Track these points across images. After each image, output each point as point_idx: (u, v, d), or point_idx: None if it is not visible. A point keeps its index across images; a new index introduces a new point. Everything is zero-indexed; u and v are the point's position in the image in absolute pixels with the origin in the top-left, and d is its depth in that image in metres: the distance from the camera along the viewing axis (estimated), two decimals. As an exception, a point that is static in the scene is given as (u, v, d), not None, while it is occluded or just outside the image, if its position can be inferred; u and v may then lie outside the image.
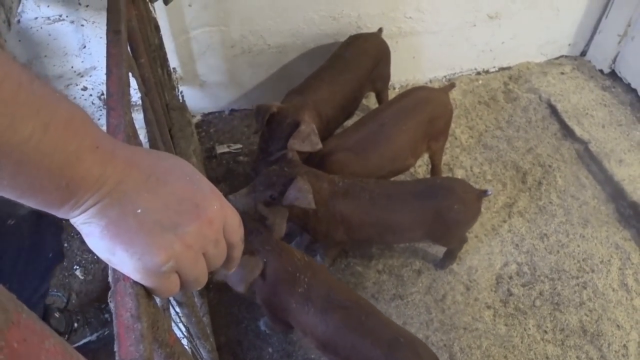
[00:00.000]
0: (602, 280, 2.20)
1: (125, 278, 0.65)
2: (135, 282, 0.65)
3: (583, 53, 3.23)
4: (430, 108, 2.16)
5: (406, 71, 2.90)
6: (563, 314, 2.09)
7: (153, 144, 1.54)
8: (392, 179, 2.21)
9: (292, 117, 1.98)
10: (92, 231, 0.63)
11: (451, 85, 2.33)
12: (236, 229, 0.75)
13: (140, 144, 0.98)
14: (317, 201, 1.78)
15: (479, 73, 3.10)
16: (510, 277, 2.19)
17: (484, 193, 1.95)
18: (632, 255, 2.28)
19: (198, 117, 2.71)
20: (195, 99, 2.65)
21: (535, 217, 2.40)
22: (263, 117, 1.99)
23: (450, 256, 2.18)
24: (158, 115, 1.67)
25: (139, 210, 0.63)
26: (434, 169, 2.41)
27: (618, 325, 2.06)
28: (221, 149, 2.44)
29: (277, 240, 1.70)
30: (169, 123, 2.02)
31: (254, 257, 1.61)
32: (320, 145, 1.98)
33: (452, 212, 1.91)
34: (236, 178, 2.47)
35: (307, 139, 1.96)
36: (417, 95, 2.19)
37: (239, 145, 2.56)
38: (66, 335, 1.86)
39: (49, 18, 1.99)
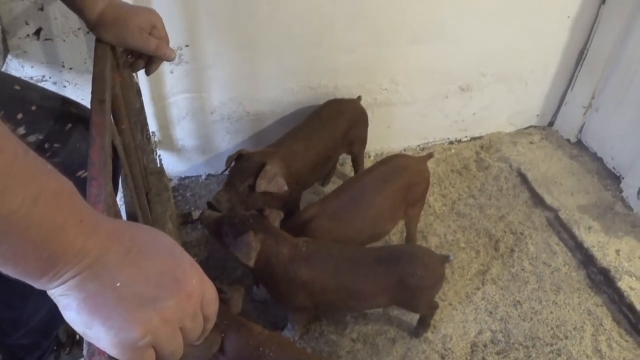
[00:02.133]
0: (576, 347, 2.21)
1: (101, 352, 0.64)
2: (111, 358, 0.64)
3: (551, 123, 3.36)
4: (408, 175, 2.21)
5: (381, 140, 2.98)
6: (538, 382, 2.09)
7: (130, 209, 1.54)
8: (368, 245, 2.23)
9: (257, 158, 2.08)
10: (70, 304, 0.62)
11: (429, 155, 2.38)
12: (213, 302, 0.75)
13: (118, 212, 0.99)
14: (275, 265, 1.84)
15: (451, 142, 3.19)
16: (485, 345, 2.19)
17: (446, 258, 2.00)
18: (604, 321, 2.31)
19: (175, 181, 2.73)
20: (173, 163, 2.67)
21: (508, 284, 2.42)
22: (232, 158, 2.12)
23: (424, 323, 2.17)
24: (136, 180, 1.69)
25: (118, 284, 0.63)
26: (409, 236, 2.43)
27: (593, 394, 2.06)
28: (197, 215, 2.45)
29: (235, 315, 1.67)
30: (146, 187, 2.02)
31: (211, 332, 1.59)
32: (286, 187, 2.06)
33: (415, 277, 1.93)
34: (211, 243, 2.46)
35: (273, 179, 2.03)
36: (397, 162, 2.25)
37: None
38: (67, 348, 1.82)
39: (32, 78, 2.03)
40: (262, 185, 2.02)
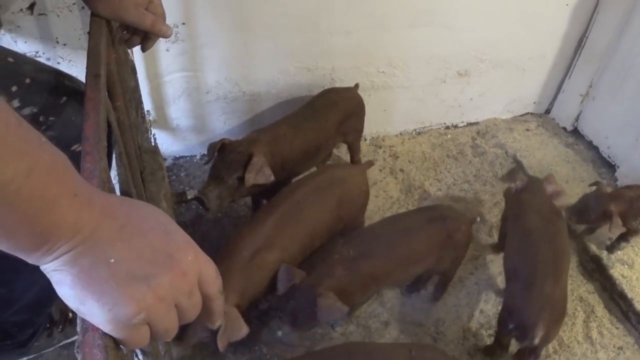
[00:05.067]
0: (567, 332, 2.22)
1: (94, 329, 0.63)
2: (105, 334, 0.64)
3: (547, 111, 3.36)
4: (345, 187, 2.10)
5: (377, 124, 2.96)
6: (529, 367, 2.10)
7: (124, 187, 1.52)
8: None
9: (243, 148, 2.04)
10: (63, 279, 0.61)
11: (369, 163, 2.30)
12: (212, 280, 0.74)
13: (112, 188, 0.98)
14: (347, 286, 1.82)
15: (447, 127, 3.18)
16: (477, 330, 2.20)
17: (474, 219, 2.08)
18: (596, 308, 2.32)
19: (169, 161, 2.71)
20: (167, 143, 2.65)
21: (501, 269, 2.42)
22: (214, 148, 2.05)
23: (444, 286, 2.23)
24: (130, 159, 1.67)
25: (112, 260, 0.62)
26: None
27: (583, 379, 2.08)
28: (191, 195, 2.44)
29: None
30: (140, 166, 2.01)
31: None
32: (272, 178, 2.03)
33: (460, 233, 2.01)
34: (205, 224, 2.46)
35: (260, 171, 2.01)
36: (333, 174, 2.13)
37: None
38: (60, 326, 1.82)
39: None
40: (251, 179, 1.99)
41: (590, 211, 2.30)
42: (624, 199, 2.28)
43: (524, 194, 2.21)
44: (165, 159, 2.69)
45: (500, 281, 2.37)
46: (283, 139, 2.20)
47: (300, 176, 2.28)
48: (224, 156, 2.05)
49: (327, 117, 2.36)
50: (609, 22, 2.82)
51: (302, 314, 1.77)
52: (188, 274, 0.69)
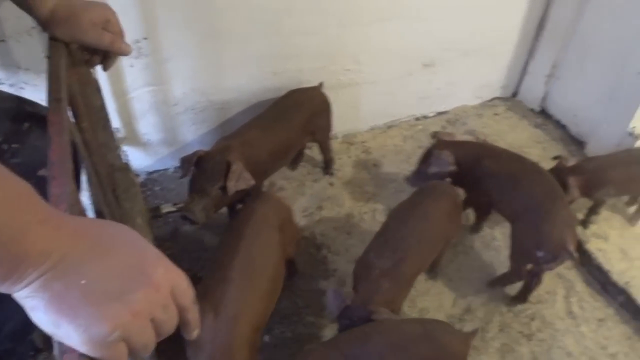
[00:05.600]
0: (549, 309, 2.27)
1: (72, 351, 0.64)
2: (82, 355, 0.64)
3: (514, 94, 3.41)
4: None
5: (348, 121, 2.99)
6: (515, 347, 2.13)
7: (98, 207, 1.53)
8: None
9: (219, 157, 2.05)
10: (37, 305, 0.62)
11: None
12: (185, 291, 0.75)
13: (82, 210, 0.99)
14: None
15: (417, 119, 3.22)
16: (462, 315, 2.24)
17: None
18: (575, 283, 2.37)
19: (143, 176, 2.70)
20: (139, 158, 2.65)
21: (480, 254, 2.47)
22: (189, 162, 2.05)
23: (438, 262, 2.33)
24: (102, 178, 1.67)
25: (84, 281, 0.63)
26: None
27: (568, 353, 2.12)
28: (167, 208, 2.43)
29: None
30: (113, 184, 2.01)
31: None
32: (253, 181, 2.06)
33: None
34: (182, 237, 2.46)
35: (240, 177, 2.03)
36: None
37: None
38: (44, 353, 1.80)
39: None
40: (233, 186, 2.01)
41: None
42: (583, 171, 2.33)
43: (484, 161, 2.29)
44: (138, 175, 2.68)
45: (480, 264, 2.41)
46: (253, 143, 2.22)
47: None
48: (202, 168, 2.05)
49: (293, 117, 2.38)
50: (567, 3, 2.87)
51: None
52: (161, 287, 0.70)
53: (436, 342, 1.68)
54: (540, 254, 2.02)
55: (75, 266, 0.63)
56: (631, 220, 2.59)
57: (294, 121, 2.38)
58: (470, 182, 2.33)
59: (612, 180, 2.33)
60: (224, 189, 2.02)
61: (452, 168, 2.26)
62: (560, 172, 2.32)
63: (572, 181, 2.28)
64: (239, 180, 2.03)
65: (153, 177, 2.72)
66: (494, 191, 2.26)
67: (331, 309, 1.83)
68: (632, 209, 2.61)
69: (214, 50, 2.40)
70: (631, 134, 2.64)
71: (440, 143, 2.35)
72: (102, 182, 1.67)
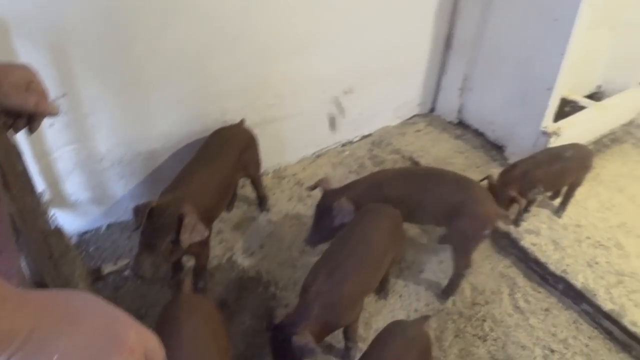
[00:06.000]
0: (498, 309, 2.34)
1: None
2: None
3: (432, 109, 3.56)
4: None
5: (277, 155, 3.01)
6: (472, 350, 2.19)
7: (36, 278, 1.46)
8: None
9: (172, 209, 1.97)
10: None
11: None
12: (157, 350, 0.73)
13: (29, 284, 0.95)
14: None
15: (344, 145, 3.29)
16: (417, 328, 2.27)
17: None
18: (517, 279, 2.47)
19: (74, 239, 2.60)
20: (69, 220, 2.54)
21: (423, 266, 2.53)
22: (142, 212, 1.96)
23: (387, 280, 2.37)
24: (37, 246, 1.60)
25: (56, 357, 0.61)
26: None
27: (522, 346, 2.19)
28: (109, 268, 2.35)
29: None
30: (48, 251, 1.92)
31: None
32: (207, 232, 2.00)
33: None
34: (126, 295, 2.37)
35: (194, 229, 1.97)
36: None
37: (126, 261, 2.47)
38: None
39: None
40: (187, 239, 1.94)
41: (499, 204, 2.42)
42: (514, 179, 2.45)
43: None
44: (70, 238, 2.58)
45: (425, 277, 2.47)
46: (200, 189, 2.17)
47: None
48: (153, 221, 1.96)
49: (226, 154, 2.37)
50: (470, 18, 3.06)
51: (281, 352, 1.81)
52: (135, 350, 0.68)
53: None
54: (487, 232, 2.21)
55: (44, 342, 0.61)
56: (557, 212, 2.74)
57: (228, 159, 2.36)
58: None
59: (540, 179, 2.46)
60: (175, 242, 1.96)
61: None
62: (494, 189, 2.43)
63: (513, 192, 2.39)
64: (193, 232, 1.96)
65: (86, 238, 2.62)
66: (409, 209, 2.28)
67: (267, 324, 1.85)
68: (557, 201, 2.76)
69: (136, 100, 2.37)
70: (545, 133, 2.81)
71: (330, 193, 2.30)
72: (39, 251, 1.61)
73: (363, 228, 2.08)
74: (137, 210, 2.00)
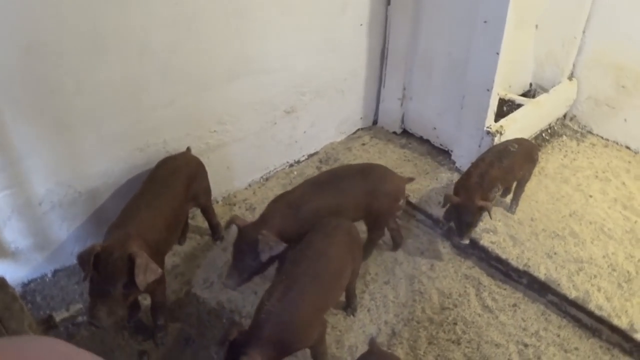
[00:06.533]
0: (467, 310, 2.33)
1: None
2: None
3: (375, 122, 3.57)
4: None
5: (224, 182, 2.93)
6: (447, 355, 2.15)
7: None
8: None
9: (119, 251, 1.85)
10: None
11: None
12: None
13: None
14: None
15: (291, 165, 3.24)
16: (389, 341, 2.22)
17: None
18: (481, 279, 2.47)
19: (18, 289, 2.41)
20: (10, 270, 2.36)
21: (386, 276, 2.50)
22: (88, 260, 1.83)
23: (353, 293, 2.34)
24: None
25: None
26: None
27: (496, 344, 2.18)
28: (60, 315, 2.20)
29: None
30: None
31: None
32: (160, 270, 1.90)
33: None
34: (82, 342, 2.22)
35: (147, 269, 1.86)
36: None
37: (78, 306, 2.31)
38: None
39: None
40: (143, 281, 1.83)
41: (469, 222, 2.41)
42: (475, 188, 2.42)
43: None
44: (13, 289, 2.40)
45: (391, 286, 2.43)
46: (147, 225, 2.06)
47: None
48: (101, 267, 1.84)
49: (174, 185, 2.27)
50: (402, 30, 3.10)
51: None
52: None
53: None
54: (401, 202, 2.42)
55: None
56: (510, 208, 2.78)
57: (176, 189, 2.26)
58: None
59: (497, 177, 2.47)
60: (128, 285, 1.84)
61: (282, 245, 2.07)
62: (459, 207, 2.41)
63: (480, 202, 2.37)
64: (147, 272, 1.85)
65: (31, 288, 2.45)
66: (332, 215, 2.23)
67: (222, 339, 1.77)
68: (508, 198, 2.80)
69: (71, 139, 2.25)
70: (489, 132, 2.86)
71: (248, 229, 2.12)
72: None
73: (318, 244, 2.03)
74: (82, 259, 1.88)
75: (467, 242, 2.46)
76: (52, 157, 2.23)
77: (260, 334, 1.73)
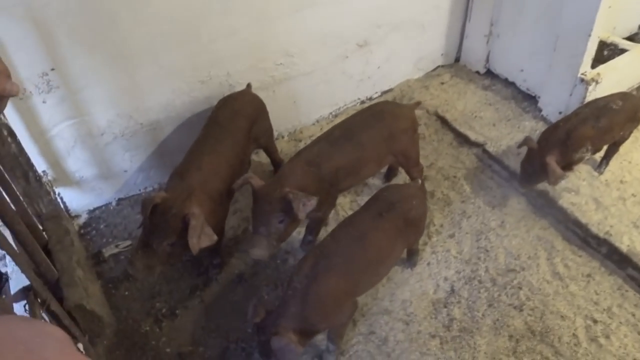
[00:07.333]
0: (535, 275, 2.16)
1: None
2: None
3: (457, 59, 3.31)
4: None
5: (291, 117, 2.83)
6: (507, 321, 2.02)
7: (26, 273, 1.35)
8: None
9: (177, 209, 1.80)
10: None
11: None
12: None
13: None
14: None
15: (362, 102, 3.08)
16: (447, 299, 2.11)
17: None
18: (555, 242, 2.27)
19: (84, 217, 2.49)
20: (77, 198, 2.44)
21: (451, 229, 2.35)
22: (146, 209, 1.81)
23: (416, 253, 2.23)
24: (24, 237, 1.48)
25: None
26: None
27: (562, 316, 2.02)
28: (109, 251, 2.24)
29: None
30: (42, 238, 1.80)
31: None
32: (215, 237, 1.82)
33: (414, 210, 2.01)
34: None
35: (202, 232, 1.79)
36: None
37: (127, 242, 2.35)
38: None
39: None
40: (195, 246, 1.76)
41: (535, 175, 2.26)
42: (555, 144, 2.21)
43: None
44: (78, 216, 2.47)
45: (455, 241, 2.29)
46: (211, 176, 2.00)
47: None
48: (156, 220, 1.80)
49: (236, 129, 2.19)
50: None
51: (265, 349, 1.72)
52: None
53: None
54: (418, 130, 2.39)
55: None
56: (598, 167, 2.51)
57: (238, 134, 2.18)
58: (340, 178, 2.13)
59: (588, 137, 2.21)
60: (175, 245, 1.81)
61: (314, 198, 1.86)
62: (535, 156, 2.22)
63: (551, 160, 2.16)
64: (201, 237, 1.78)
65: (96, 215, 2.51)
66: (357, 169, 2.16)
67: (249, 320, 1.75)
68: (598, 156, 2.52)
69: (130, 69, 2.20)
70: (583, 80, 2.55)
71: (266, 189, 1.91)
72: (27, 242, 1.49)
73: (366, 223, 1.89)
74: (142, 206, 1.86)
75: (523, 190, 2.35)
76: (111, 88, 2.20)
77: (287, 311, 1.68)
